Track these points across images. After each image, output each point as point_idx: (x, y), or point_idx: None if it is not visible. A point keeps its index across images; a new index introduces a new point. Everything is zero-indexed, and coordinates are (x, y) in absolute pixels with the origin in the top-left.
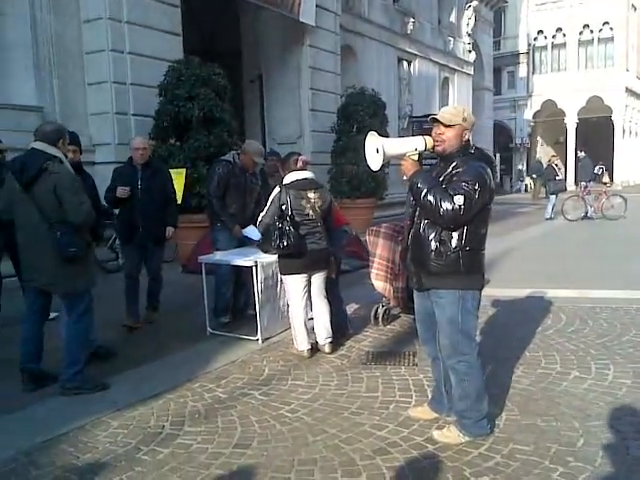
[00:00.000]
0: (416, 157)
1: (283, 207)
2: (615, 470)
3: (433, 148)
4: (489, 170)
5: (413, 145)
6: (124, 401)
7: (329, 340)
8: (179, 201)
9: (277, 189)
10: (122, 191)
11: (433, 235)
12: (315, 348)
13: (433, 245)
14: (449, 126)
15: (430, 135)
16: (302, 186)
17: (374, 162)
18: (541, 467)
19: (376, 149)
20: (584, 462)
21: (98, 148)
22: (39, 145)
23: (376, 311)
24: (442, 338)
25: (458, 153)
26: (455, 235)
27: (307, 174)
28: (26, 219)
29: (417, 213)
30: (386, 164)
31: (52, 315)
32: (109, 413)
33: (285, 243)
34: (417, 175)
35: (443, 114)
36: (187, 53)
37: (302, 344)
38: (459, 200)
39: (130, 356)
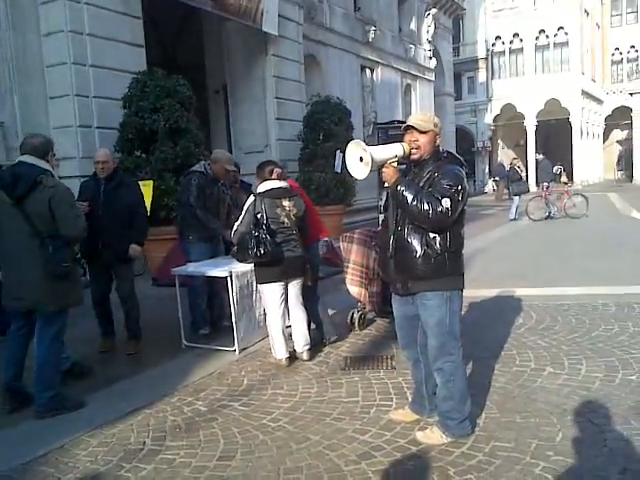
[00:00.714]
0: (396, 164)
1: (258, 215)
2: (594, 462)
3: (409, 154)
4: (464, 172)
5: (394, 152)
6: (102, 419)
7: (307, 347)
8: (147, 214)
9: (251, 198)
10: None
11: (418, 240)
12: (293, 356)
13: (420, 249)
14: (424, 132)
15: (400, 141)
16: (277, 194)
17: (360, 171)
18: (523, 463)
19: (359, 158)
20: (564, 456)
21: (62, 162)
22: (28, 159)
23: (352, 316)
24: (430, 340)
25: (431, 158)
26: (440, 238)
27: (281, 183)
28: (14, 234)
29: (398, 219)
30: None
31: None
32: (88, 431)
33: (262, 251)
34: (401, 182)
35: (417, 121)
36: (150, 65)
37: (280, 352)
38: (446, 203)
39: (105, 372)
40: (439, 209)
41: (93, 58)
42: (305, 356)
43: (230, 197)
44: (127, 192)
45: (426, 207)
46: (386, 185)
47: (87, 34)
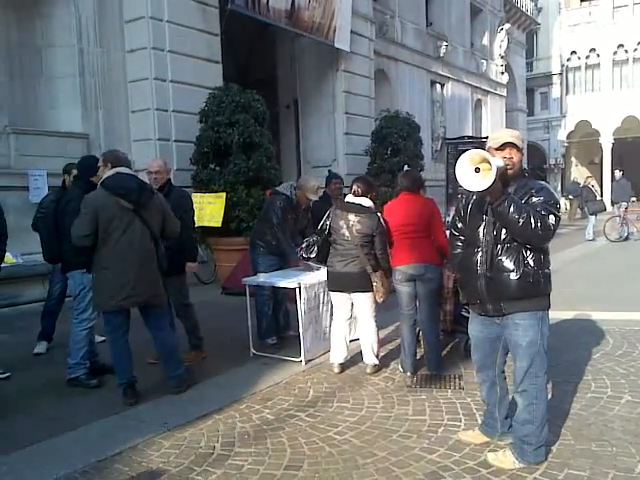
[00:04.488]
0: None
1: (326, 223)
2: None
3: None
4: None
5: (502, 164)
6: (174, 422)
7: (371, 362)
8: (219, 224)
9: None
10: None
11: (513, 259)
12: (346, 367)
13: (517, 269)
14: (519, 149)
15: None
16: (346, 208)
17: (476, 183)
18: None
19: (475, 168)
20: None
21: (140, 174)
22: (127, 170)
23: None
24: (519, 361)
25: (515, 176)
26: (535, 257)
27: (358, 200)
28: (133, 237)
29: (497, 237)
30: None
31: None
32: (160, 433)
33: (312, 255)
34: (509, 197)
35: (514, 138)
36: (225, 79)
37: (333, 357)
38: (552, 219)
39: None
40: (547, 225)
41: (173, 74)
42: (367, 369)
43: (309, 221)
44: (176, 204)
45: (536, 224)
46: (488, 199)
47: (168, 51)
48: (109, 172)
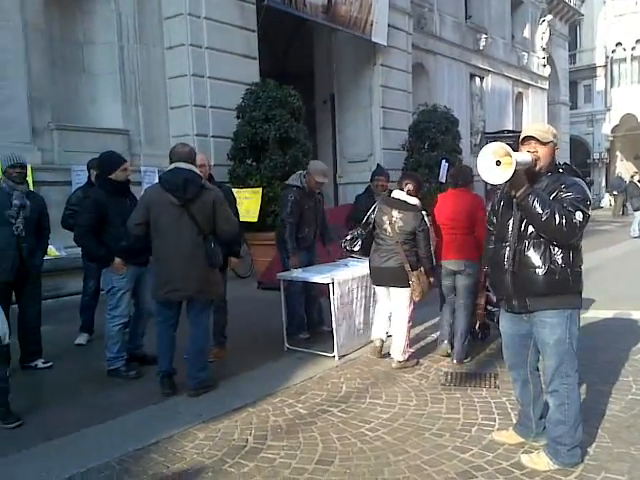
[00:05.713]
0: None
1: (370, 217)
2: None
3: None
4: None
5: (527, 159)
6: (209, 413)
7: (397, 357)
8: (255, 219)
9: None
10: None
11: (541, 254)
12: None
13: (543, 265)
14: (544, 144)
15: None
16: (391, 203)
17: (496, 176)
18: None
19: (496, 161)
20: None
21: None
22: (185, 165)
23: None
24: (547, 360)
25: (547, 172)
26: (563, 253)
27: (404, 197)
28: (180, 233)
29: (521, 232)
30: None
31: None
32: (195, 425)
33: (355, 248)
34: (534, 192)
35: (538, 132)
36: (261, 74)
37: (374, 332)
38: (579, 216)
39: (214, 369)
40: (573, 222)
41: (210, 70)
42: (393, 364)
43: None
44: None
45: (561, 220)
46: (514, 194)
47: (206, 47)
48: (169, 167)
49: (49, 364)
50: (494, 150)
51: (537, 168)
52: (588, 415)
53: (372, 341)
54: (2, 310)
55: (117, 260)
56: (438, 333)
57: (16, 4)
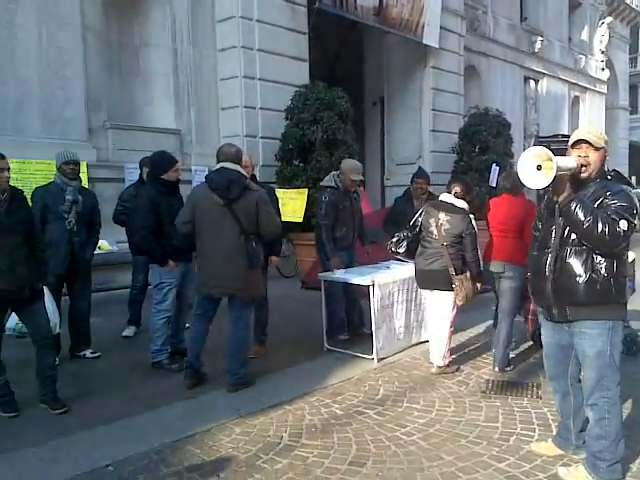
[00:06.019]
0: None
1: (418, 220)
2: None
3: (580, 171)
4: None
5: (571, 165)
6: (246, 409)
7: (436, 363)
8: (301, 220)
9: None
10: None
11: (582, 262)
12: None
13: (584, 273)
14: (597, 149)
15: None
16: (438, 206)
17: (536, 181)
18: None
19: (537, 166)
20: None
21: None
22: (231, 165)
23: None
24: (587, 372)
25: (595, 178)
26: (606, 262)
27: (452, 199)
28: (223, 231)
29: (563, 238)
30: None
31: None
32: (233, 419)
33: (401, 250)
34: (576, 198)
35: (591, 136)
36: (312, 77)
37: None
38: (624, 225)
39: (254, 366)
40: (617, 230)
41: (261, 72)
42: (432, 369)
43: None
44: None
45: (603, 228)
46: (556, 199)
47: (257, 49)
48: (216, 166)
49: (97, 354)
50: (536, 154)
51: (586, 174)
52: (632, 430)
53: (413, 345)
54: (54, 301)
55: (171, 263)
56: (481, 341)
57: (76, 8)
